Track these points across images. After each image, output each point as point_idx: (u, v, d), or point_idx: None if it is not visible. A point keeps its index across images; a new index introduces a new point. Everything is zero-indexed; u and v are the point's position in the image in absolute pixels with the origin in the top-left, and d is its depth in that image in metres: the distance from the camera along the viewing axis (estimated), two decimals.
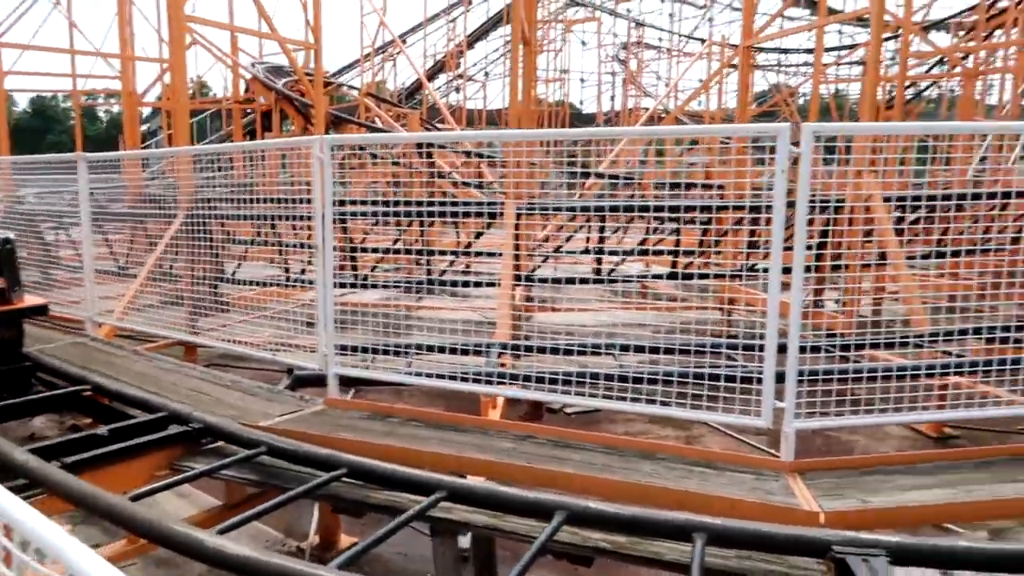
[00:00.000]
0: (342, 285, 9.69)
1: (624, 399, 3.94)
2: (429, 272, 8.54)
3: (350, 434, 4.15)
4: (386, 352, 4.97)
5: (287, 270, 9.08)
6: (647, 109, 28.02)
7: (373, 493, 3.42)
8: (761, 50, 33.49)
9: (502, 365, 5.77)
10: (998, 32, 18.94)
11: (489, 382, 4.63)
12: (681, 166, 12.52)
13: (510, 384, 4.56)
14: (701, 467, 3.55)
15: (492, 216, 7.90)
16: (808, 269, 8.39)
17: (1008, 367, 4.42)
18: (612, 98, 38.06)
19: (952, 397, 3.91)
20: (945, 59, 19.17)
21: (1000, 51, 17.91)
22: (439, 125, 25.54)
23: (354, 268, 8.67)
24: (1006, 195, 8.85)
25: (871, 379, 4.45)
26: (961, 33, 22.27)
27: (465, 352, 5.54)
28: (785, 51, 33.27)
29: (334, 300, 4.89)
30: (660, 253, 10.02)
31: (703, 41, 29.68)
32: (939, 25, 29.47)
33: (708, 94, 26.91)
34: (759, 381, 3.61)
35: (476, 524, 3.19)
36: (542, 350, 5.80)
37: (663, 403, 3.82)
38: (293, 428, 4.23)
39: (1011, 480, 3.27)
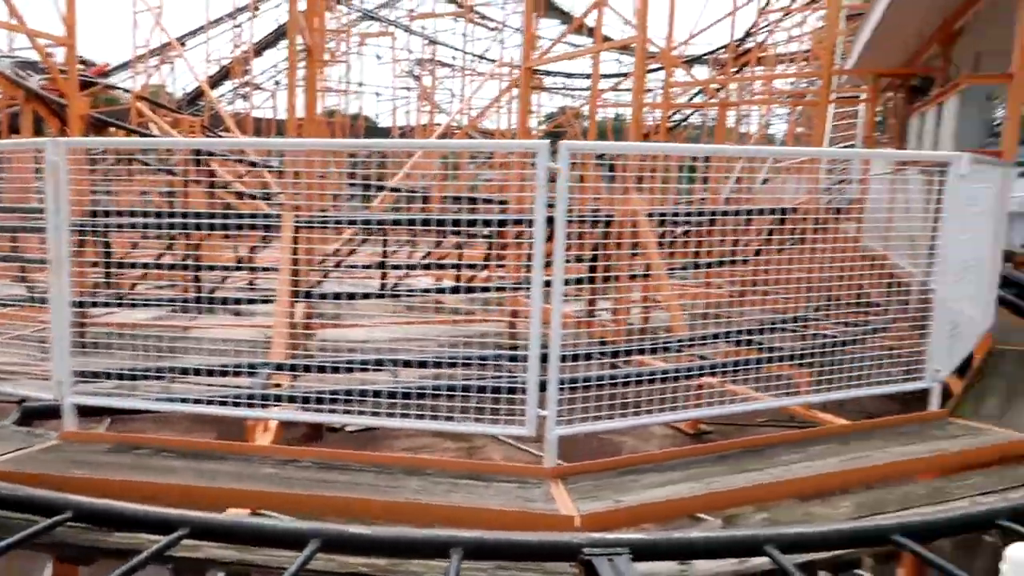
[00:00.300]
0: (105, 304, 8.77)
1: (394, 415, 3.85)
2: (199, 289, 7.93)
3: (85, 471, 3.68)
4: (143, 377, 4.51)
5: (30, 288, 8.04)
6: (440, 125, 28.37)
7: (106, 536, 3.04)
8: (548, 73, 35.23)
9: (276, 385, 5.47)
10: (748, 69, 21.34)
11: (254, 405, 4.33)
12: (470, 180, 12.76)
13: (275, 406, 4.29)
14: (468, 480, 3.53)
15: (268, 229, 7.50)
16: (581, 281, 8.87)
17: (745, 368, 4.90)
18: (407, 113, 38.12)
19: (703, 396, 4.23)
20: (704, 90, 21.15)
21: (749, 85, 20.12)
22: (222, 133, 24.08)
23: (108, 285, 7.84)
24: (750, 212, 9.90)
25: (630, 383, 4.72)
26: (719, 68, 24.83)
27: (236, 373, 5.17)
28: (570, 75, 35.13)
29: (87, 320, 4.35)
30: (444, 267, 10.09)
31: (494, 61, 30.66)
32: (701, 60, 32.65)
33: (499, 112, 27.76)
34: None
35: (226, 560, 2.93)
36: (320, 368, 5.56)
37: (432, 417, 3.77)
38: (15, 469, 3.68)
39: (742, 470, 3.57)
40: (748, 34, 21.41)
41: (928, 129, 8.33)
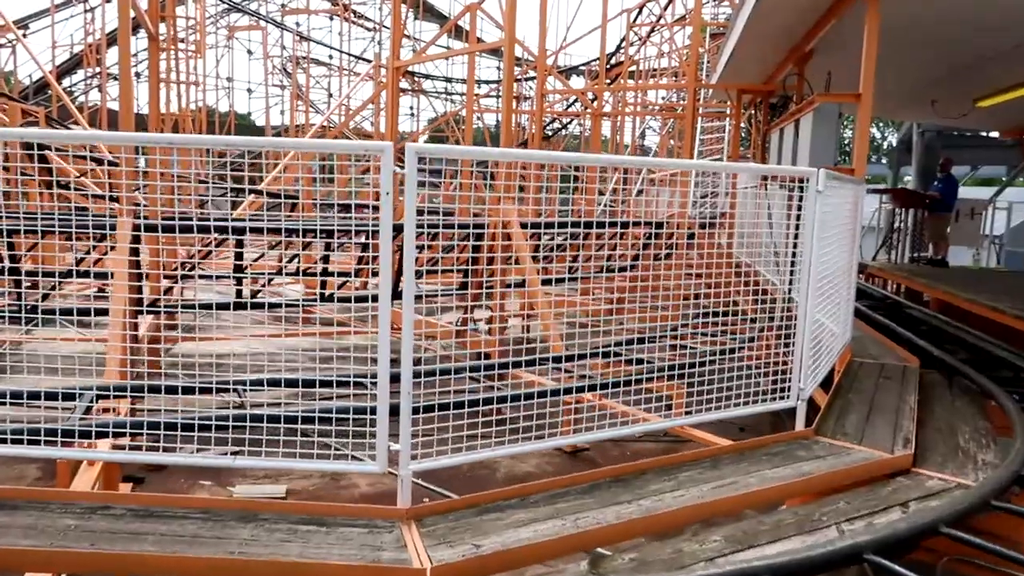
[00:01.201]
0: None
1: (226, 454, 3.37)
2: (20, 296, 7.01)
3: None
4: None
5: None
6: (315, 125, 27.35)
7: None
8: (429, 77, 34.82)
9: (105, 412, 4.82)
10: (621, 81, 21.76)
11: (71, 439, 3.72)
12: (351, 185, 12.18)
13: (88, 442, 3.70)
14: (310, 525, 3.11)
15: (101, 229, 6.71)
16: (457, 292, 8.56)
17: (623, 386, 4.72)
18: (282, 112, 36.64)
19: (581, 417, 3.99)
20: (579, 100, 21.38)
21: (623, 95, 20.51)
22: (71, 126, 22.11)
23: None
24: (625, 224, 9.93)
25: (498, 407, 4.44)
26: (593, 79, 25.27)
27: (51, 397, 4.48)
28: (450, 80, 34.85)
29: None
30: (311, 274, 9.51)
31: (371, 62, 29.89)
32: (576, 70, 33.19)
33: (377, 113, 27.08)
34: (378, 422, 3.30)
35: None
36: (153, 389, 4.97)
37: (259, 452, 3.32)
38: None
39: (613, 503, 3.35)
40: (619, 47, 21.88)
41: (787, 145, 8.60)
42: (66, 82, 33.26)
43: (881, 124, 43.63)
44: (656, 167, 9.37)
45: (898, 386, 5.46)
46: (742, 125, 13.99)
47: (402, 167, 3.11)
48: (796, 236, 4.81)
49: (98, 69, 29.80)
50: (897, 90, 11.41)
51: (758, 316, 5.55)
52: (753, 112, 15.54)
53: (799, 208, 4.57)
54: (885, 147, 45.85)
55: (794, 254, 4.77)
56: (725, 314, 5.47)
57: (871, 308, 8.94)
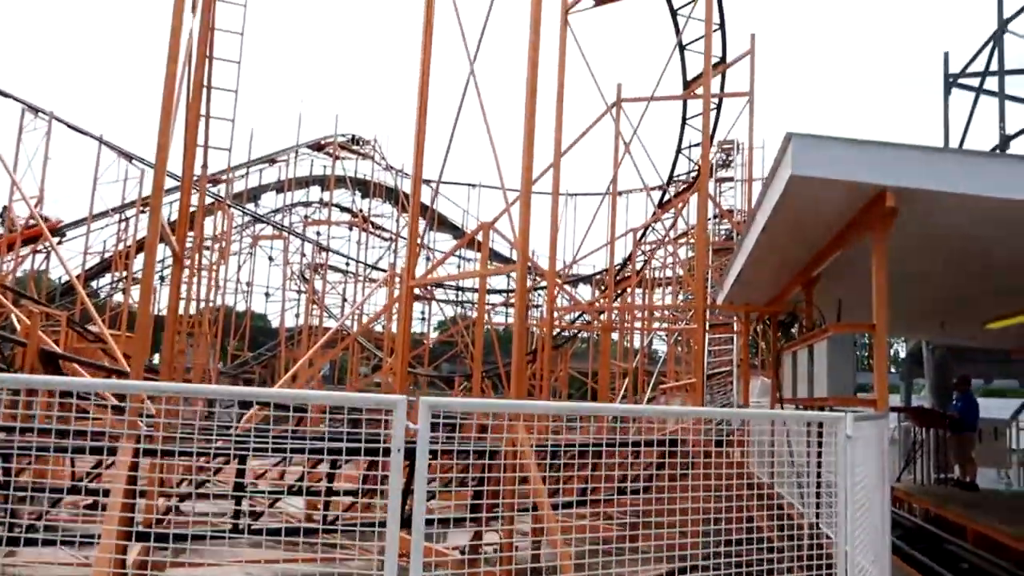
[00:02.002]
0: None
1: None
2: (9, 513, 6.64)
3: None
4: None
5: None
6: (329, 329, 27.92)
7: None
8: (439, 285, 36.04)
9: None
10: (629, 291, 22.39)
11: None
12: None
13: None
14: None
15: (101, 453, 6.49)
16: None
17: None
18: (297, 315, 37.60)
19: None
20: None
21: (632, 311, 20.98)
22: (91, 328, 22.59)
23: None
24: (636, 444, 9.64)
25: None
26: (603, 288, 26.04)
27: None
28: (460, 289, 36.02)
29: None
30: (315, 492, 9.11)
31: (385, 271, 31.10)
32: (585, 280, 34.35)
33: (390, 319, 27.70)
34: None
35: None
36: None
37: None
38: None
39: None
40: (626, 262, 22.77)
41: (802, 369, 8.54)
42: (94, 283, 34.65)
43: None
44: (674, 416, 9.28)
45: None
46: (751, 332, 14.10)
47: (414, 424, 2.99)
48: (819, 466, 4.60)
49: (125, 273, 31.07)
50: (905, 312, 11.56)
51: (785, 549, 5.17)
52: (762, 327, 15.74)
53: (819, 443, 4.42)
54: (893, 355, 46.08)
55: (818, 484, 4.55)
56: (749, 542, 5.09)
57: (904, 539, 8.41)
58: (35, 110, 24.29)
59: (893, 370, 36.81)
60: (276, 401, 4.93)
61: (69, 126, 26.07)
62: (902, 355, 32.28)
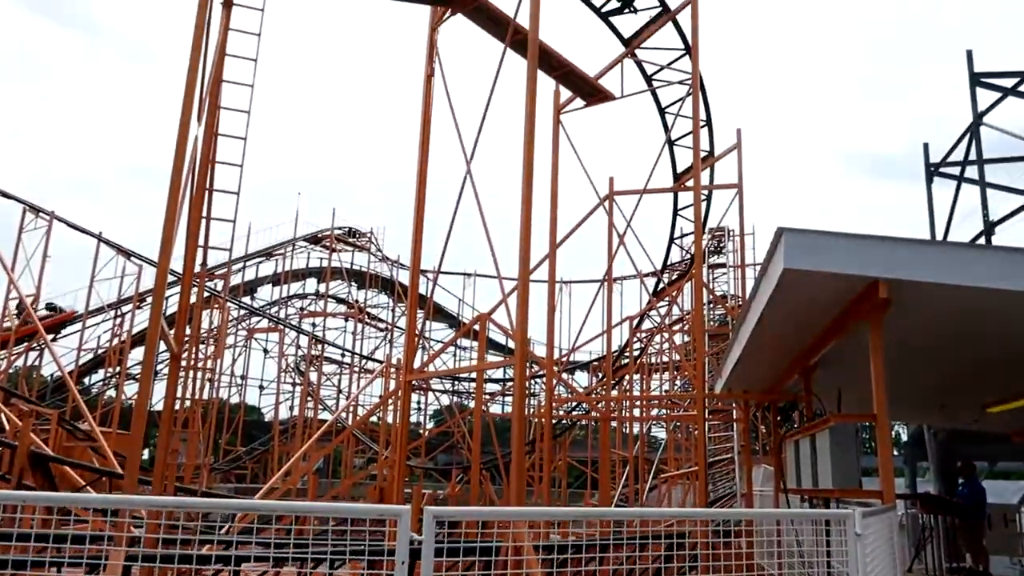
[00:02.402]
0: None
1: None
2: None
3: None
4: None
5: None
6: (324, 421, 27.58)
7: None
8: (436, 375, 35.86)
9: None
10: (627, 379, 22.29)
11: None
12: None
13: None
14: None
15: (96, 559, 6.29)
16: None
17: None
18: (291, 408, 37.14)
19: None
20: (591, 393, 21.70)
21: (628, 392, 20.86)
22: (80, 425, 22.27)
23: None
24: (643, 538, 9.42)
25: None
26: (600, 375, 25.94)
27: None
28: (457, 378, 35.79)
29: None
30: None
31: (382, 362, 30.97)
32: (583, 367, 34.18)
33: (384, 411, 27.42)
34: None
35: None
36: None
37: None
38: None
39: None
40: (623, 351, 22.79)
41: (805, 459, 8.44)
42: (87, 379, 34.36)
43: None
44: (680, 517, 9.12)
45: None
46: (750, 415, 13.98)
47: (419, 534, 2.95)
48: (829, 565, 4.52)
49: (118, 368, 30.85)
50: (904, 397, 11.53)
51: None
52: (761, 413, 15.63)
53: (827, 533, 4.35)
54: (895, 436, 45.55)
55: None
56: None
57: None
58: (36, 210, 24.65)
59: (896, 452, 36.33)
60: (272, 513, 4.83)
61: (69, 225, 26.41)
62: (904, 437, 31.94)
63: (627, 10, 13.84)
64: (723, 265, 28.89)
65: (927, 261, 5.82)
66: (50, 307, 30.39)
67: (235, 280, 34.88)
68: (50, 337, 27.81)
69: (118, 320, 31.11)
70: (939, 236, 15.87)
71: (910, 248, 5.86)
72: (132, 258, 27.54)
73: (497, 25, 11.34)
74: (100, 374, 33.97)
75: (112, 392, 32.29)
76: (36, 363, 30.07)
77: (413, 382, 23.88)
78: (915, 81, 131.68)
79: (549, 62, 12.72)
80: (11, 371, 26.93)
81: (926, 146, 17.22)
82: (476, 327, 18.38)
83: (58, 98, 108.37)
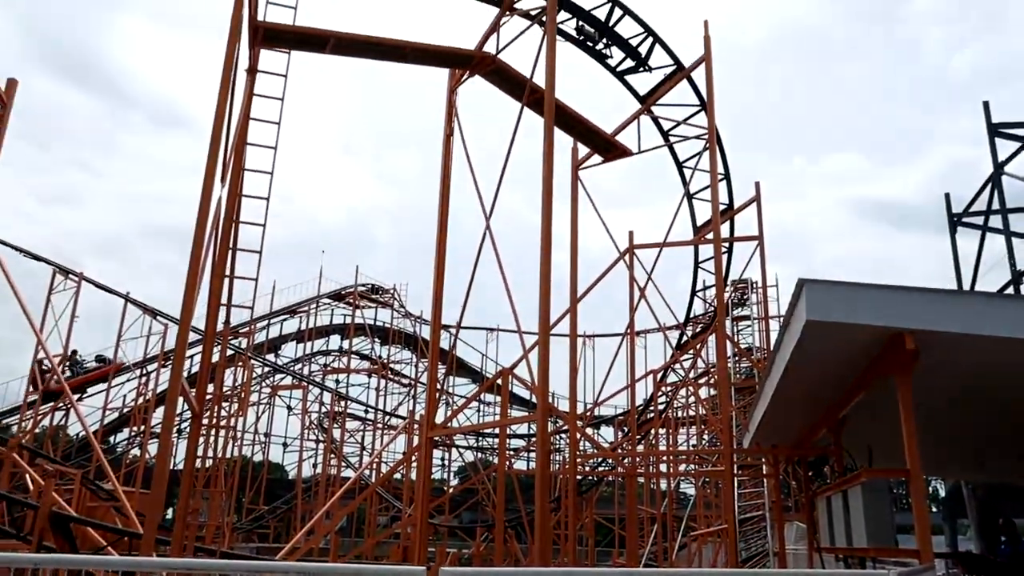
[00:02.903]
0: None
1: None
2: None
3: None
4: None
5: None
6: (348, 478, 27.36)
7: None
8: (458, 430, 35.57)
9: None
10: (652, 433, 21.91)
11: None
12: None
13: None
14: None
15: None
16: None
17: None
18: (315, 465, 36.89)
19: None
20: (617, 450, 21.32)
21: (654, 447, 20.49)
22: (103, 485, 22.26)
23: None
24: None
25: None
26: (625, 430, 25.55)
27: None
28: (481, 434, 35.47)
29: None
30: None
31: (405, 418, 30.78)
32: (607, 421, 33.73)
33: (408, 467, 27.16)
34: None
35: None
36: None
37: None
38: None
39: None
40: (648, 405, 22.50)
41: (837, 516, 8.18)
42: (112, 438, 34.48)
43: None
44: None
45: None
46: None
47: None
48: None
49: (143, 427, 30.94)
50: (938, 451, 11.19)
51: None
52: (792, 468, 15.23)
53: None
54: (932, 492, 44.12)
55: None
56: None
57: None
58: (65, 271, 25.16)
59: (934, 509, 35.04)
60: (291, 573, 4.73)
61: (97, 285, 26.90)
62: (941, 493, 30.91)
63: (642, 69, 14.07)
64: (747, 317, 28.63)
65: (955, 312, 5.70)
66: (99, 359, 30.72)
67: (259, 337, 35.11)
68: (76, 397, 28.06)
69: (143, 379, 31.37)
70: (966, 286, 15.62)
71: (937, 299, 5.75)
72: (158, 317, 27.92)
73: (514, 86, 11.56)
74: (125, 433, 34.09)
75: (136, 451, 32.34)
76: (63, 422, 30.30)
77: (436, 438, 23.67)
78: (930, 131, 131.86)
79: (566, 120, 12.90)
80: (38, 431, 27.10)
81: (947, 196, 17.09)
82: (499, 382, 18.25)
83: (87, 162, 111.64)
